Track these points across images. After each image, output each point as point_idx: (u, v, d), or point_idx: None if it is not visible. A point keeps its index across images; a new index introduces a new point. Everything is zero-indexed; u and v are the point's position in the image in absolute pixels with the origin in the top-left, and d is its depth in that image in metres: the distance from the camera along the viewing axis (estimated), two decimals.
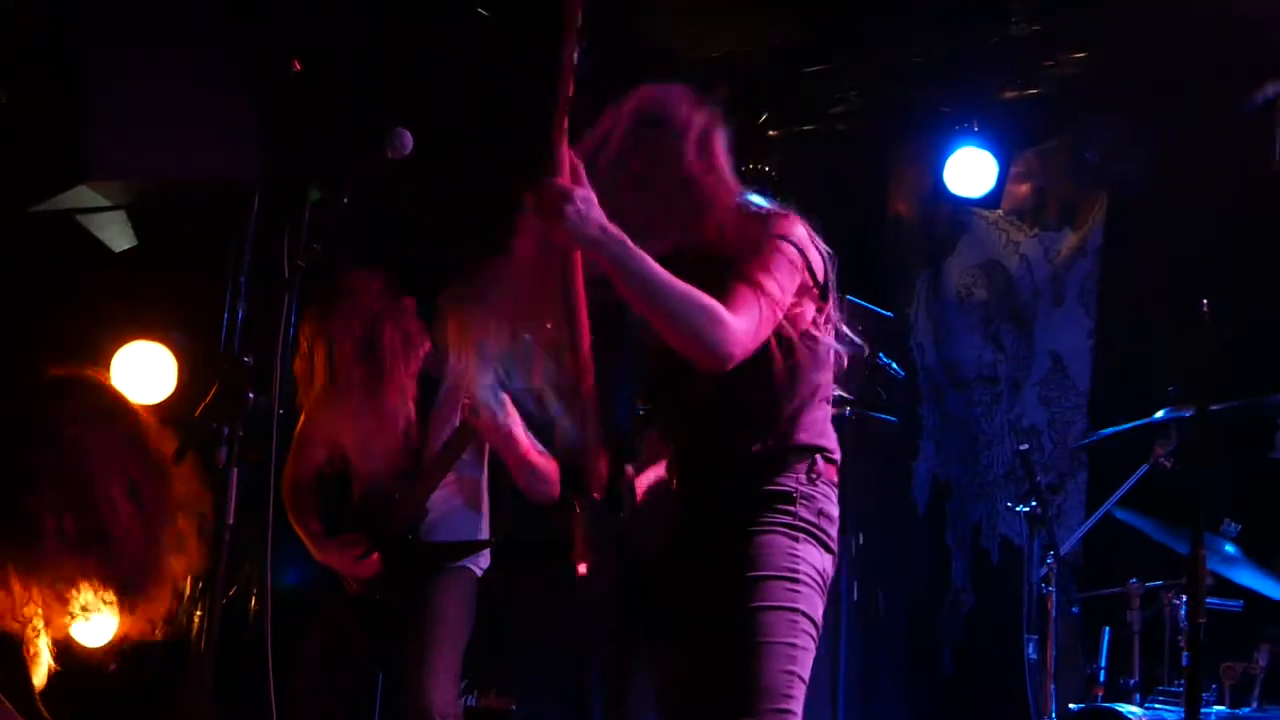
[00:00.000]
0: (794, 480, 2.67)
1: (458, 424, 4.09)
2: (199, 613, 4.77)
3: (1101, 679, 4.45)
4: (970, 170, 5.80)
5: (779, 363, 2.64)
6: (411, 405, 4.14)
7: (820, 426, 2.74)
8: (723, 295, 2.51)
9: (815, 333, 2.70)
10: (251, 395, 3.15)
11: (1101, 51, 5.47)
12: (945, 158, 5.81)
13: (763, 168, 6.16)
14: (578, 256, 2.51)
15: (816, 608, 2.65)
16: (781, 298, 2.59)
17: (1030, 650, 4.52)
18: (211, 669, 3.08)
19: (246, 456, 3.28)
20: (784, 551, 2.62)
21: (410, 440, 4.12)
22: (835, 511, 2.73)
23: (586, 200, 2.44)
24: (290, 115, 5.09)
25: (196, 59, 4.87)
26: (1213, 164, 5.39)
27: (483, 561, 4.25)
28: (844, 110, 6.15)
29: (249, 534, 3.36)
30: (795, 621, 2.59)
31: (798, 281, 2.64)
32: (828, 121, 6.23)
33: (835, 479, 2.75)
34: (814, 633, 2.64)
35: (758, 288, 2.54)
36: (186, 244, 5.29)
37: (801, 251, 2.64)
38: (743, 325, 2.51)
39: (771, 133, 6.20)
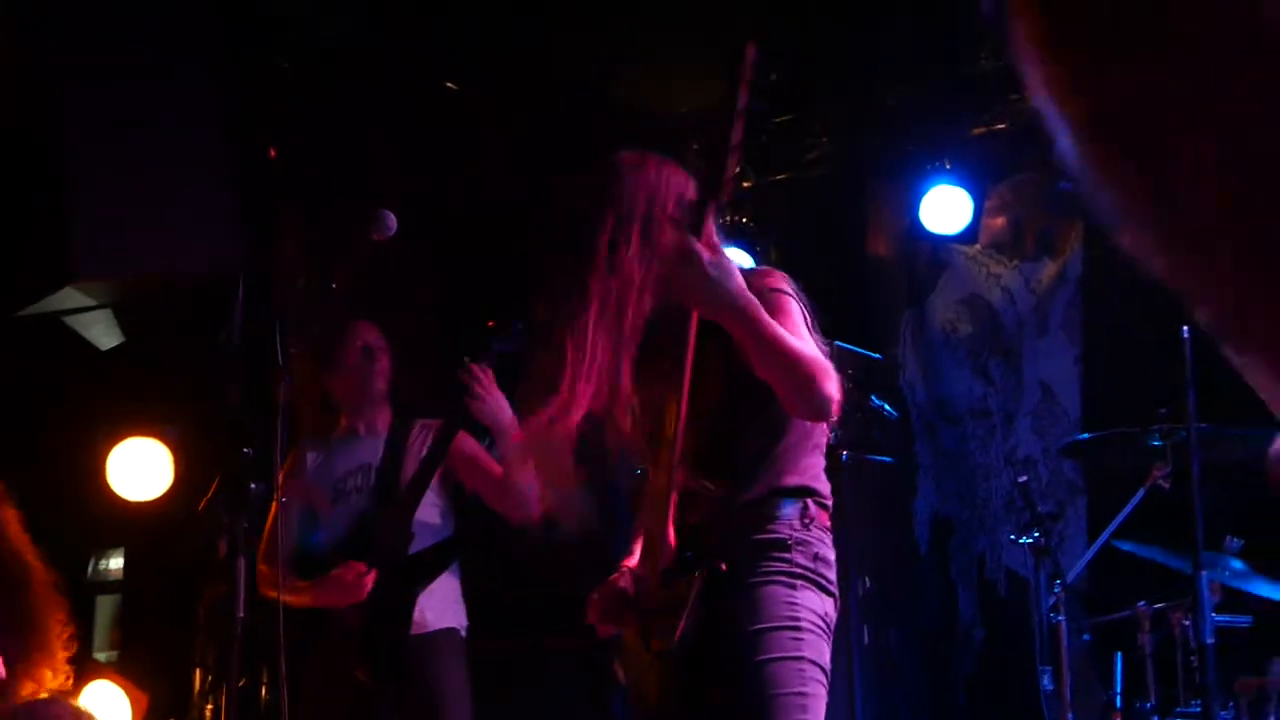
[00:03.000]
0: (788, 528, 2.68)
1: (430, 443, 4.09)
2: (210, 706, 4.77)
3: (1118, 704, 4.45)
4: (946, 207, 5.86)
5: (772, 409, 2.68)
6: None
7: (813, 471, 2.75)
8: None
9: None
10: (252, 486, 3.17)
11: None
12: (920, 196, 5.87)
13: (741, 219, 6.22)
14: (695, 319, 2.56)
15: (823, 653, 2.65)
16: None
17: (1045, 681, 4.51)
18: None
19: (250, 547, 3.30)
20: (783, 601, 2.63)
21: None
22: (831, 555, 2.74)
23: (724, 268, 2.48)
24: (271, 204, 5.13)
25: (177, 154, 4.91)
26: None
27: (463, 619, 4.25)
28: (816, 156, 6.22)
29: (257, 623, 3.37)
30: (803, 670, 2.60)
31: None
32: (801, 169, 6.30)
33: (829, 524, 2.75)
34: (823, 679, 2.64)
35: (811, 342, 2.62)
36: (174, 338, 5.32)
37: (795, 301, 2.69)
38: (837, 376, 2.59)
39: (746, 184, 6.26)
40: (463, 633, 4.24)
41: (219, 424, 5.14)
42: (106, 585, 5.59)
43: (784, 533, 2.67)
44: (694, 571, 2.60)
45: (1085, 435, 5.21)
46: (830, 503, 2.76)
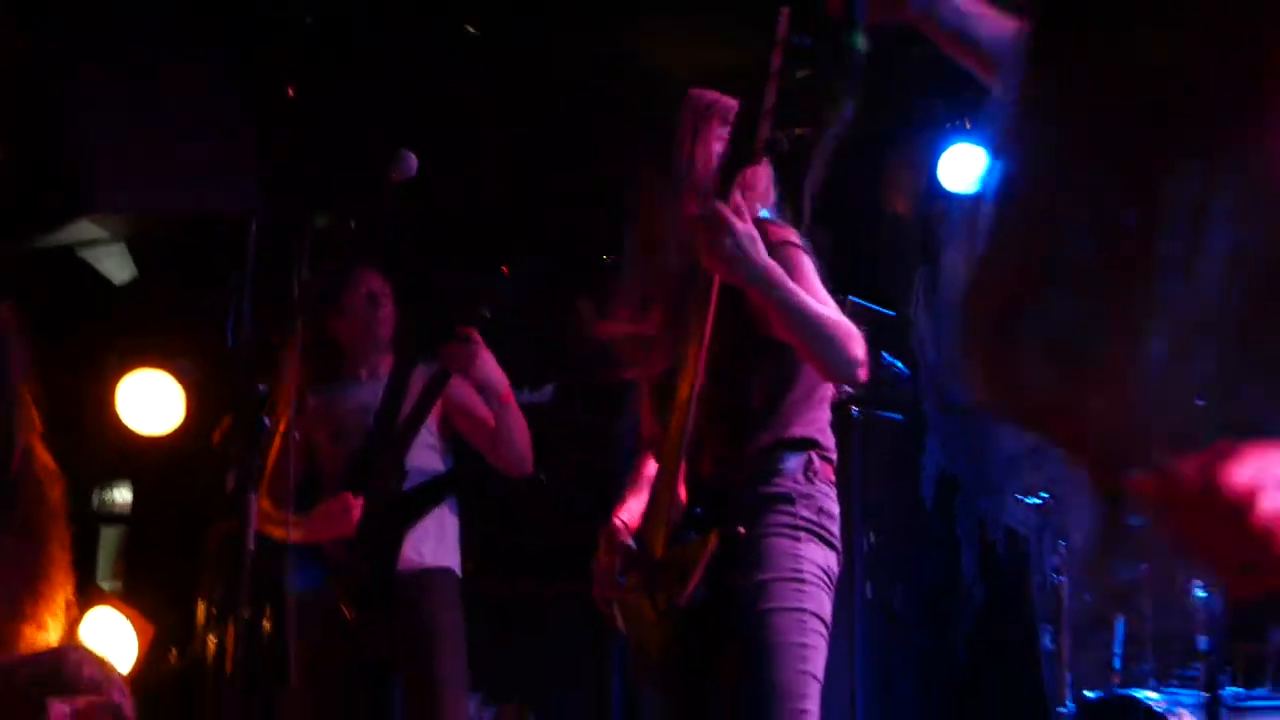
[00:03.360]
0: (791, 481, 2.69)
1: (427, 381, 4.11)
2: (213, 638, 4.80)
3: (1117, 666, 4.48)
4: (964, 166, 5.82)
5: (781, 361, 2.69)
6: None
7: (819, 424, 2.76)
8: None
9: None
10: (265, 421, 3.18)
11: None
12: (939, 154, 5.83)
13: None
14: (717, 280, 2.56)
15: (824, 606, 2.67)
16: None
17: (1046, 639, 4.54)
18: (240, 690, 3.11)
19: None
20: (787, 553, 2.65)
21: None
22: (835, 509, 2.75)
23: (750, 236, 2.49)
24: (288, 141, 5.12)
25: (193, 90, 4.91)
26: None
27: (457, 562, 4.27)
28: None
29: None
30: (804, 621, 2.62)
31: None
32: (820, 123, 6.25)
33: (833, 477, 2.76)
34: (824, 631, 2.66)
35: (828, 299, 2.64)
36: (187, 273, 5.32)
37: (808, 256, 2.69)
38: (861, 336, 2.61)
39: (778, 148, 6.22)
40: (458, 574, 4.26)
41: (231, 360, 5.17)
42: (112, 517, 5.61)
43: (788, 486, 2.68)
44: (707, 532, 2.60)
45: None
46: (834, 456, 2.77)
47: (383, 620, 3.99)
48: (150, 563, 5.29)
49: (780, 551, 2.64)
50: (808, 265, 2.67)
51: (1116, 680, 4.44)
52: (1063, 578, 4.51)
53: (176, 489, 5.18)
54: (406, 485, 4.10)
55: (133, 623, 4.75)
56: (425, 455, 4.17)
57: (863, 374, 2.60)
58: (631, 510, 2.83)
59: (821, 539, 2.69)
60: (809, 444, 2.72)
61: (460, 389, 4.17)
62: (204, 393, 5.12)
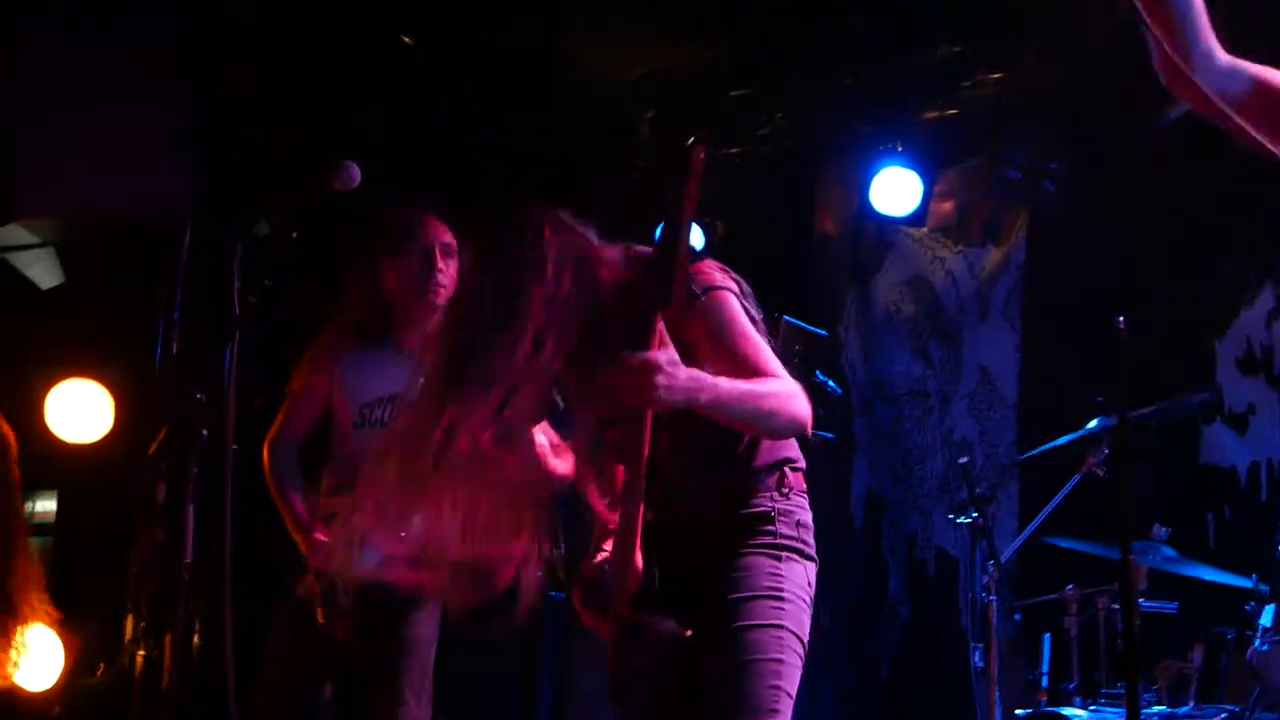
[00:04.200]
0: (769, 499, 2.70)
1: None
2: (141, 651, 4.72)
3: (1044, 684, 4.55)
4: (895, 189, 5.90)
5: None
6: None
7: (783, 442, 2.78)
8: (743, 373, 2.56)
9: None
10: (204, 432, 3.13)
11: (1018, 72, 5.61)
12: (870, 177, 5.91)
13: None
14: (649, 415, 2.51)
15: (803, 624, 2.68)
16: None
17: (976, 658, 4.60)
18: (173, 705, 3.07)
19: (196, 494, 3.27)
20: (766, 571, 2.66)
21: None
22: (809, 518, 2.77)
23: (672, 362, 2.44)
24: (225, 148, 5.07)
25: (128, 94, 4.84)
26: (1127, 179, 5.54)
27: None
28: (770, 132, 6.23)
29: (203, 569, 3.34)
30: (781, 639, 2.63)
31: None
32: (753, 144, 6.31)
33: (804, 486, 2.78)
34: (800, 649, 2.66)
35: (758, 348, 2.61)
36: (117, 279, 5.25)
37: (735, 294, 2.67)
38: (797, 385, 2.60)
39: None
40: None
41: (162, 368, 5.10)
42: (36, 528, 5.50)
43: (765, 505, 2.70)
44: (671, 625, 2.60)
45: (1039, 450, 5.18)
46: (803, 465, 2.79)
47: (361, 629, 3.86)
48: (74, 574, 5.19)
49: (760, 570, 2.65)
50: (734, 306, 2.63)
51: (1044, 699, 4.51)
52: (993, 597, 4.57)
53: (103, 499, 5.10)
54: None
55: (59, 637, 4.66)
56: None
57: (809, 428, 2.61)
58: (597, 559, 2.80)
59: (801, 554, 2.71)
60: (780, 463, 2.74)
61: None
62: (132, 401, 5.05)
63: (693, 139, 2.53)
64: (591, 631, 2.78)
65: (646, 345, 2.43)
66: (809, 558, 2.74)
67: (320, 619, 3.80)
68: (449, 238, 3.94)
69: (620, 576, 2.61)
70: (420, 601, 3.98)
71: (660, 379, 2.40)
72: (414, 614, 3.97)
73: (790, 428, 2.61)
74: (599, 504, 2.80)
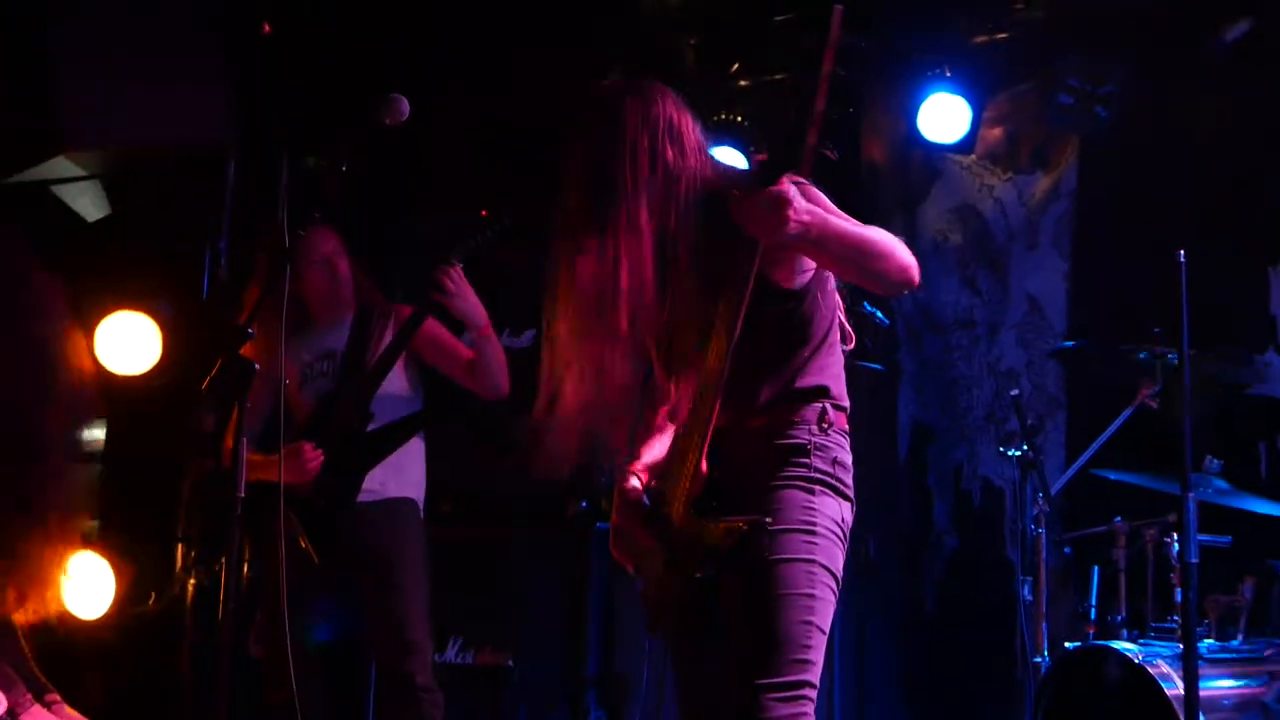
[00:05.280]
0: (806, 432, 2.67)
1: (399, 326, 4.21)
2: (193, 580, 4.78)
3: (1092, 616, 4.54)
4: (943, 116, 5.80)
5: (795, 314, 2.68)
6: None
7: (832, 370, 2.75)
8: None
9: (824, 273, 2.73)
10: (256, 366, 3.14)
11: None
12: (918, 104, 5.81)
13: (735, 118, 6.16)
14: (760, 249, 2.51)
15: (836, 559, 2.66)
16: None
17: (1025, 591, 4.59)
18: (229, 634, 3.10)
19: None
20: (800, 505, 2.63)
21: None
22: (849, 459, 2.74)
23: (801, 199, 2.46)
24: (267, 79, 5.04)
25: (170, 24, 4.82)
26: (1182, 104, 5.44)
27: (421, 491, 4.33)
28: (815, 58, 6.13)
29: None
30: (813, 574, 2.61)
31: None
32: (798, 69, 6.22)
33: (846, 426, 2.75)
34: (833, 584, 2.65)
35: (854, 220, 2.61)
36: (164, 211, 5.25)
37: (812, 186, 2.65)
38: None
39: (742, 83, 6.19)
40: (420, 506, 4.33)
41: (209, 301, 5.11)
42: (87, 455, 5.56)
43: (803, 437, 2.67)
44: (735, 519, 2.58)
45: (1072, 344, 5.24)
46: (847, 404, 2.76)
47: (343, 551, 4.07)
48: (124, 503, 5.25)
49: (793, 503, 2.63)
50: (820, 194, 2.65)
51: (1092, 631, 4.50)
52: (1042, 530, 4.55)
53: (152, 429, 5.14)
54: (377, 423, 4.18)
55: (111, 565, 4.73)
56: (396, 385, 4.26)
57: (916, 276, 2.63)
58: (644, 462, 2.82)
59: (836, 490, 2.69)
60: (822, 393, 2.71)
61: (430, 325, 4.25)
62: (180, 332, 5.08)
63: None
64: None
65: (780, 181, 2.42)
66: (844, 496, 2.71)
67: (303, 543, 3.94)
68: (333, 244, 4.33)
69: (683, 480, 2.62)
70: (404, 513, 4.19)
71: (792, 211, 2.42)
72: (399, 529, 4.17)
73: (900, 275, 2.61)
74: (659, 416, 2.82)
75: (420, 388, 4.38)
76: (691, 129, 2.75)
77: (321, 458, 4.06)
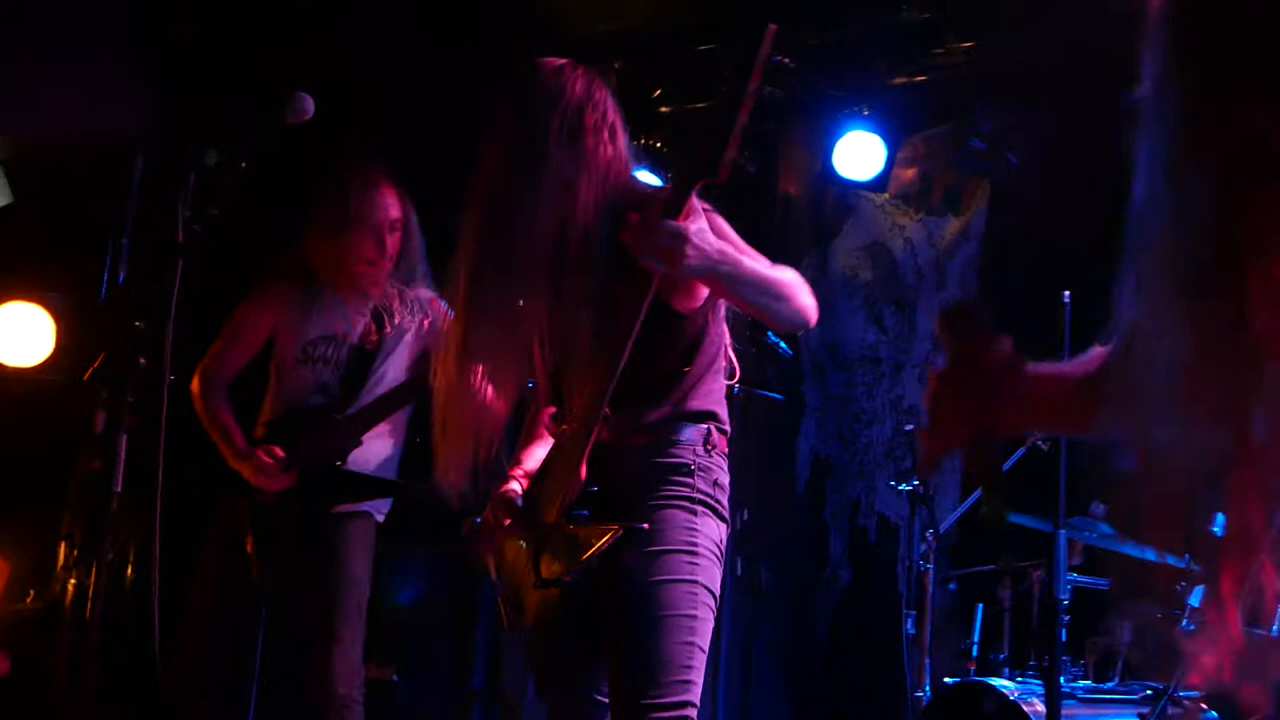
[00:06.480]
0: (691, 453, 2.69)
1: (409, 378, 4.03)
2: (73, 579, 4.69)
3: (974, 654, 4.58)
4: (859, 153, 5.87)
5: (682, 335, 2.69)
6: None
7: (716, 395, 2.77)
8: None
9: (719, 299, 2.74)
10: (142, 361, 3.10)
11: (988, 42, 5.59)
12: (834, 141, 5.88)
13: (654, 143, 6.19)
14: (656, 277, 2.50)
15: (715, 579, 2.68)
16: None
17: (908, 625, 4.63)
18: (96, 633, 3.04)
19: (131, 423, 3.23)
20: (682, 525, 2.65)
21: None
22: (727, 481, 2.77)
23: (700, 233, 2.45)
24: (178, 75, 4.99)
25: (80, 15, 4.76)
26: (1092, 154, 5.53)
27: (384, 506, 4.11)
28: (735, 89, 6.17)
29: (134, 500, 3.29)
30: (695, 594, 2.63)
31: None
32: (718, 100, 6.27)
33: (726, 450, 2.78)
34: (712, 604, 2.67)
35: (759, 259, 2.62)
36: (63, 203, 5.17)
37: (717, 214, 2.67)
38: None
39: (663, 109, 6.22)
40: (380, 519, 4.09)
41: (107, 295, 5.03)
42: None
43: (687, 458, 2.68)
44: (609, 521, 2.59)
45: None
46: (729, 429, 2.78)
47: (294, 561, 3.88)
48: (8, 500, 5.14)
49: (675, 524, 2.64)
50: (727, 226, 2.66)
51: (973, 668, 4.55)
52: (929, 565, 4.59)
53: (40, 424, 5.04)
54: (358, 451, 3.99)
55: None
56: (394, 376, 4.07)
57: (814, 319, 2.65)
58: (525, 468, 2.81)
59: (716, 513, 2.71)
60: (708, 416, 2.73)
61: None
62: (75, 327, 4.99)
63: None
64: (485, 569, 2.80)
65: (677, 214, 2.44)
66: (723, 518, 2.73)
67: (249, 549, 3.79)
68: (397, 212, 4.04)
69: (562, 484, 2.62)
70: (354, 537, 3.97)
71: (690, 247, 2.42)
72: (348, 551, 3.95)
73: (797, 316, 2.62)
74: (548, 423, 2.81)
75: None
76: (622, 131, 2.76)
77: (290, 480, 3.86)
